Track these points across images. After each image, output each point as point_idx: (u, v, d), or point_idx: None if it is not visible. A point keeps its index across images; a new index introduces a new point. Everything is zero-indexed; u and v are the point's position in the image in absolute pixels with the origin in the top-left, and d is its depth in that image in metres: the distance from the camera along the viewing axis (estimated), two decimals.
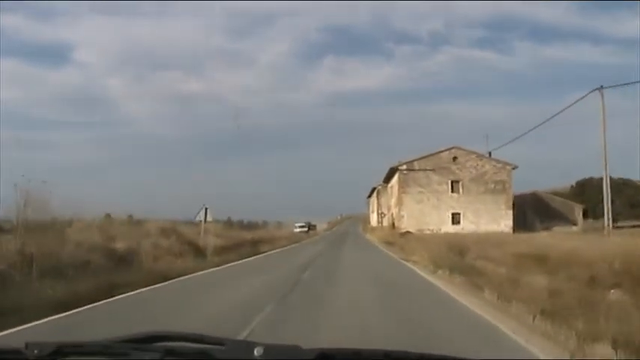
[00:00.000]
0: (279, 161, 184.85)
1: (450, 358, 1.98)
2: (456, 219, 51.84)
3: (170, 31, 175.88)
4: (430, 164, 52.32)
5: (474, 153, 52.35)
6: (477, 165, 52.61)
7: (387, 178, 63.17)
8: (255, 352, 1.68)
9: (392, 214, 60.16)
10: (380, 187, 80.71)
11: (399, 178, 53.33)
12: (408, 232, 46.95)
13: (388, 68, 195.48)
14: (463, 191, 52.13)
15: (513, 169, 52.69)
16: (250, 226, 78.93)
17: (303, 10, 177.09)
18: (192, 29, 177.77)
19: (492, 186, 52.09)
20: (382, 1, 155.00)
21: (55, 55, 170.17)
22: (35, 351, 1.77)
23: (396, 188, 55.42)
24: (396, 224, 54.79)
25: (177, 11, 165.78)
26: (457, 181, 52.23)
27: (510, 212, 51.80)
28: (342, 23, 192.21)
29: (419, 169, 52.47)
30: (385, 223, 69.24)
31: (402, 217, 52.02)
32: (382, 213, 74.48)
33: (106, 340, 1.94)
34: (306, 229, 78.46)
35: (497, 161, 52.63)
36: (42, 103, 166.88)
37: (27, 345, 1.80)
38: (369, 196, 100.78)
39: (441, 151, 52.83)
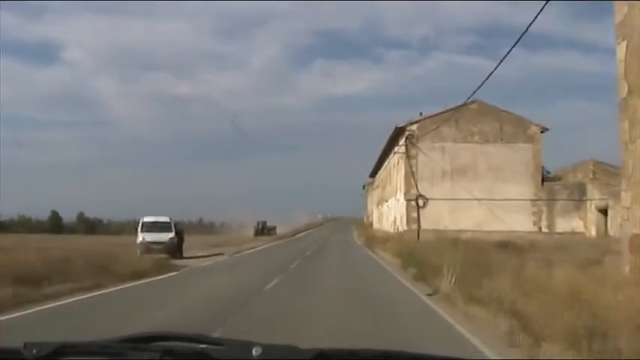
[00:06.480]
0: (263, 163, 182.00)
1: (450, 358, 1.95)
2: None
3: (160, 32, 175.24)
4: None
5: None
6: None
7: None
8: (254, 352, 1.68)
9: None
10: (411, 127, 35.74)
11: None
12: None
13: (378, 73, 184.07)
14: None
15: None
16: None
17: (293, 13, 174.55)
18: (182, 31, 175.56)
19: None
20: (373, 6, 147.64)
21: (44, 53, 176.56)
22: (34, 351, 1.77)
23: None
24: None
25: (167, 12, 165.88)
26: None
27: None
28: (333, 27, 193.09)
29: None
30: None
31: None
32: (421, 196, 34.90)
33: (105, 340, 1.95)
34: (169, 236, 27.25)
35: None
36: (30, 101, 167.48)
37: (25, 345, 1.80)
38: (373, 173, 64.61)
39: None
